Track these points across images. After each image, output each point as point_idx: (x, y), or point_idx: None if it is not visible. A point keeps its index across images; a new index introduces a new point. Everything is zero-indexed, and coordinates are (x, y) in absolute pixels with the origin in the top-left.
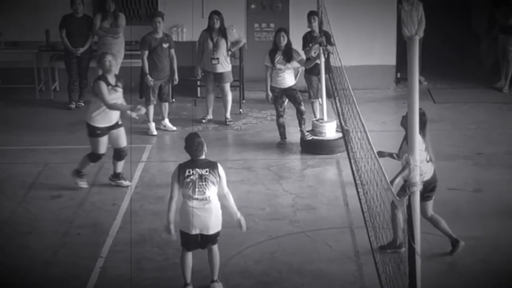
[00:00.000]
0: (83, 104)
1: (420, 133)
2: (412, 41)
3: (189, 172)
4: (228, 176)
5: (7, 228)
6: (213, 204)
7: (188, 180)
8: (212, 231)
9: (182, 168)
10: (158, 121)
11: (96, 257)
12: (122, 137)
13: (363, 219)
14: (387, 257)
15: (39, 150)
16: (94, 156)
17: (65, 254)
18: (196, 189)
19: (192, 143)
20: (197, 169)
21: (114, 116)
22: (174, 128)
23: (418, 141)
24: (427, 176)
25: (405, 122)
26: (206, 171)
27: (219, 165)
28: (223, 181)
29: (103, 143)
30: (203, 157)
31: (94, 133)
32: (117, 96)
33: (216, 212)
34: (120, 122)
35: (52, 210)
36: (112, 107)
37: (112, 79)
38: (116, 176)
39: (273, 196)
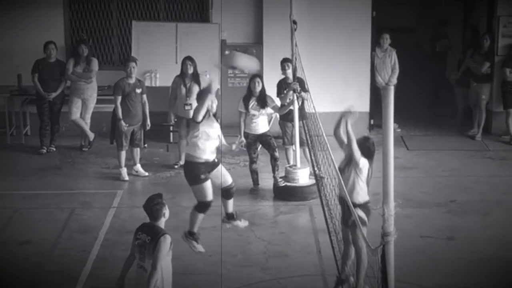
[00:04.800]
0: (54, 149)
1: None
2: (387, 91)
3: (138, 235)
4: (200, 222)
5: None
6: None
7: (136, 243)
8: None
9: (137, 229)
10: (130, 166)
11: None
12: (225, 174)
13: (336, 267)
14: None
15: (9, 195)
16: (202, 206)
17: None
18: (138, 255)
19: (147, 204)
20: (144, 234)
21: (213, 151)
22: (146, 174)
23: (365, 165)
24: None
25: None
26: (149, 239)
27: (164, 237)
28: (155, 254)
29: (209, 188)
30: (160, 221)
31: (197, 179)
32: (213, 131)
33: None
34: (217, 160)
35: (21, 256)
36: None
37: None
38: (230, 217)
39: (245, 242)
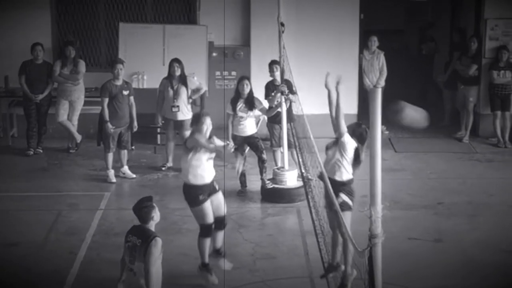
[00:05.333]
0: (41, 151)
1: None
2: (374, 93)
3: (128, 237)
4: (187, 224)
5: None
6: (140, 281)
7: (126, 246)
8: None
9: (128, 231)
10: (117, 168)
11: None
12: (222, 204)
13: (323, 268)
14: None
15: None
16: (205, 229)
17: None
18: (127, 258)
19: (137, 207)
20: (135, 237)
21: (210, 172)
22: (134, 176)
23: (350, 142)
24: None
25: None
26: (139, 242)
27: (155, 241)
28: (146, 258)
29: (209, 210)
30: (150, 224)
31: (197, 200)
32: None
33: None
34: (218, 187)
35: (9, 258)
36: (211, 149)
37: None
38: (217, 253)
39: (232, 245)
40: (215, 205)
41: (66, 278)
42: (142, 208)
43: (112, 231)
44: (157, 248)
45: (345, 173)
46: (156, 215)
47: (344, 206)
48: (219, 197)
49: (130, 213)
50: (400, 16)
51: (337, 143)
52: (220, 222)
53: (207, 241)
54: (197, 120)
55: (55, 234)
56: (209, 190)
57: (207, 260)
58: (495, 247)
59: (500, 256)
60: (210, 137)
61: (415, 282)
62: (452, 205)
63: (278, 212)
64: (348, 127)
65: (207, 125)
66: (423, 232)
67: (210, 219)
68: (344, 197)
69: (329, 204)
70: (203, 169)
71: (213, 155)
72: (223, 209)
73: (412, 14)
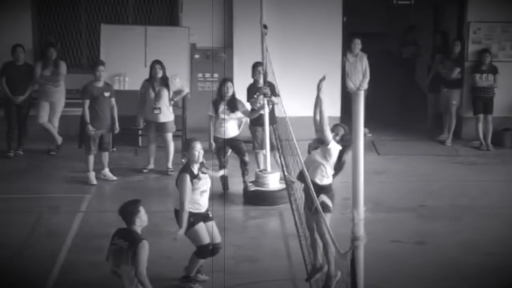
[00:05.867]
0: (22, 153)
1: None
2: (357, 95)
3: (114, 240)
4: (169, 227)
5: None
6: (126, 284)
7: (111, 249)
8: None
9: (114, 234)
10: (98, 170)
11: None
12: (215, 232)
13: (306, 271)
14: None
15: None
16: (202, 250)
17: None
18: (112, 260)
19: (121, 209)
20: (121, 240)
21: (204, 203)
22: (114, 178)
23: (335, 147)
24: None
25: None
26: (126, 245)
27: (142, 243)
28: (137, 261)
29: (203, 231)
30: (135, 226)
31: (189, 223)
32: (202, 184)
33: None
34: (211, 215)
35: None
36: (182, 207)
37: (196, 169)
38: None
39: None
40: (209, 232)
41: (47, 281)
42: (127, 211)
43: (92, 233)
44: (145, 251)
45: (326, 177)
46: (140, 219)
47: (324, 208)
48: (211, 225)
49: (111, 216)
50: (384, 19)
51: (320, 143)
52: (214, 249)
53: (201, 261)
54: (187, 146)
55: (35, 237)
56: (202, 217)
57: (192, 275)
58: (477, 250)
59: (482, 258)
60: (202, 164)
61: (397, 284)
62: (435, 207)
63: (261, 214)
64: (333, 129)
65: (198, 150)
66: (405, 235)
67: (206, 239)
68: (324, 198)
69: (309, 204)
70: (196, 201)
71: (208, 187)
72: (217, 236)
73: (395, 17)
